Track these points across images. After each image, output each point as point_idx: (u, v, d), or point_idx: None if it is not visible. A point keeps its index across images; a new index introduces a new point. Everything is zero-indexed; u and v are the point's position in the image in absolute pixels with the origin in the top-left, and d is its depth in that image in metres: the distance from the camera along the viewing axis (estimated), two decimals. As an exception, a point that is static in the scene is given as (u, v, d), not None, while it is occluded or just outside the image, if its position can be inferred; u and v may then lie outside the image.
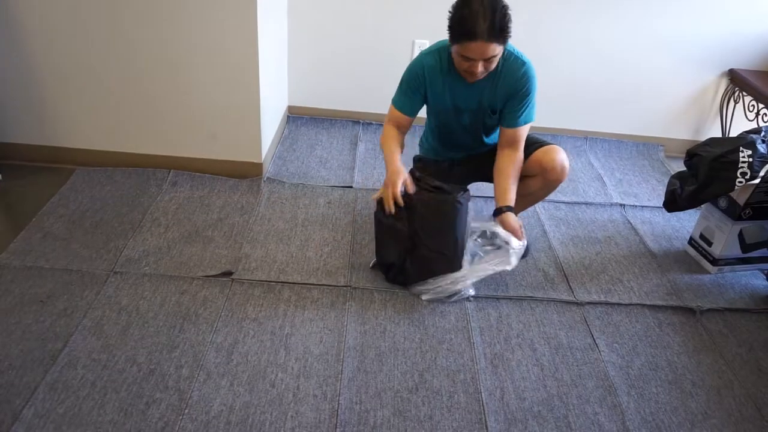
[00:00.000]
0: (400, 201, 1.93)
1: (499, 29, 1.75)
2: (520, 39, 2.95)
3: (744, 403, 1.76)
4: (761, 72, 3.03)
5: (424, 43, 2.99)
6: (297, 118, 3.18)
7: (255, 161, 2.59)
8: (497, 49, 1.80)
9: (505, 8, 1.77)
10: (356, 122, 3.19)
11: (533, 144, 2.12)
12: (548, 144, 2.11)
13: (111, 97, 2.43)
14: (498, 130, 2.14)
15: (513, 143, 2.03)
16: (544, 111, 3.12)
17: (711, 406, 1.74)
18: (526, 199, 2.22)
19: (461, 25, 1.77)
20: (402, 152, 2.07)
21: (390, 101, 2.12)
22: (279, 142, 2.95)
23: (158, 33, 2.30)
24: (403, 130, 2.11)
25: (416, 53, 3.00)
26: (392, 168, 1.98)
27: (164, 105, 2.45)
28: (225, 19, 2.26)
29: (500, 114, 2.04)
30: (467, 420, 1.61)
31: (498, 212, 2.00)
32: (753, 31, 2.98)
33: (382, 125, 3.10)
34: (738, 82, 3.01)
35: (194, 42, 2.32)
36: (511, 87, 1.97)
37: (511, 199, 1.99)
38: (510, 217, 1.97)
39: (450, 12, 1.82)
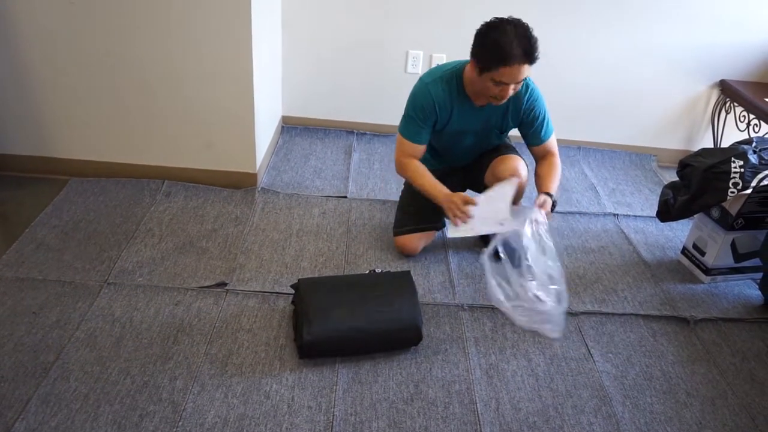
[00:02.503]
0: (472, 200, 1.96)
1: (533, 50, 1.79)
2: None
3: (738, 412, 1.77)
4: (752, 83, 3.06)
5: (418, 54, 3.01)
6: (291, 128, 3.18)
7: (249, 171, 2.59)
8: (529, 71, 1.84)
9: (530, 29, 1.81)
10: (350, 132, 3.20)
11: (492, 153, 2.16)
12: (506, 153, 2.15)
13: (105, 108, 2.43)
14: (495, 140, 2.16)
15: (546, 155, 2.13)
16: (538, 121, 3.15)
17: (705, 416, 1.74)
18: None
19: (497, 51, 1.78)
20: None
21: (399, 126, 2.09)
22: (273, 152, 2.96)
23: (153, 44, 2.30)
24: (418, 159, 2.11)
25: (410, 63, 3.02)
26: (445, 192, 2.01)
27: (158, 115, 2.45)
28: (220, 29, 2.26)
29: (523, 136, 2.12)
30: (463, 431, 1.61)
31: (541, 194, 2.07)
32: (744, 42, 3.01)
33: (376, 135, 3.16)
34: (729, 93, 3.03)
35: (189, 53, 2.32)
36: (521, 111, 2.02)
37: (551, 189, 2.03)
38: (542, 197, 1.99)
39: (479, 40, 1.83)
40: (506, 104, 1.99)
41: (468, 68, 1.94)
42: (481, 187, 2.28)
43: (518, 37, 1.77)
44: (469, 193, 2.04)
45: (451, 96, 1.98)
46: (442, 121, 2.04)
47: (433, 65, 3.01)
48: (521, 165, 2.11)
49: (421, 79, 2.03)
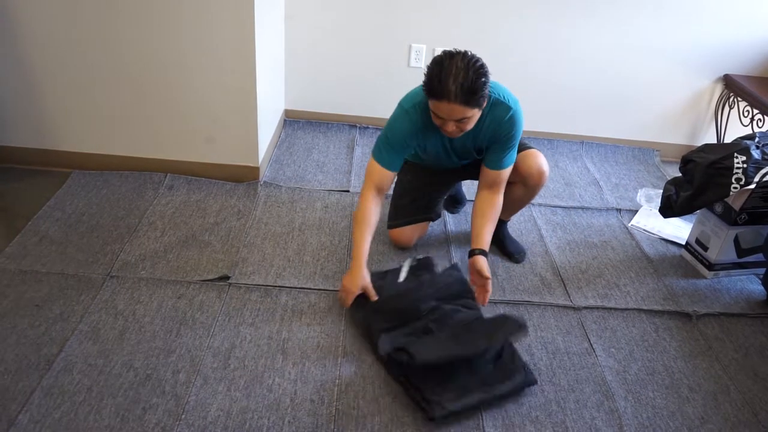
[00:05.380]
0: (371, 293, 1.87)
1: (469, 92, 1.67)
2: (518, 45, 2.98)
3: (740, 407, 1.77)
4: (756, 78, 3.05)
5: (421, 48, 3.00)
6: (294, 121, 3.18)
7: (252, 165, 2.59)
8: (468, 112, 1.73)
9: (480, 71, 1.69)
10: (353, 126, 3.19)
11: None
12: (526, 149, 2.12)
13: (108, 101, 2.43)
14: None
15: (494, 185, 2.00)
16: (541, 115, 3.15)
17: (708, 411, 1.74)
18: (512, 206, 2.23)
19: (432, 82, 1.70)
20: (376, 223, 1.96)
21: (375, 148, 1.99)
22: (276, 145, 2.95)
23: (155, 36, 2.29)
24: (384, 191, 1.98)
25: (413, 57, 3.02)
26: (355, 271, 1.87)
27: (161, 108, 2.45)
28: (222, 22, 2.26)
29: (484, 153, 2.01)
30: (465, 425, 1.61)
31: (471, 254, 1.96)
32: (748, 37, 3.00)
33: (379, 129, 3.16)
34: (733, 88, 3.03)
35: (192, 45, 2.32)
36: (496, 131, 1.92)
37: (486, 242, 1.97)
38: (480, 260, 1.93)
39: (427, 67, 1.74)
40: (486, 126, 1.90)
41: None
42: None
43: (457, 74, 1.66)
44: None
45: (425, 122, 1.90)
46: (420, 147, 2.00)
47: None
48: (544, 161, 2.09)
49: (400, 104, 1.93)
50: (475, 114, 1.77)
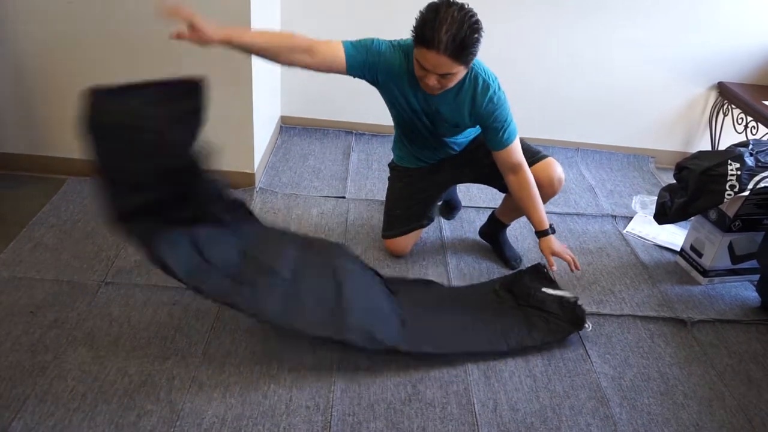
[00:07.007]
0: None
1: (460, 46, 1.63)
2: (513, 53, 3.00)
3: (735, 414, 1.77)
4: (750, 85, 3.07)
5: (417, 55, 3.01)
6: (290, 128, 3.18)
7: (248, 171, 2.59)
8: (454, 68, 1.68)
9: (474, 27, 1.64)
10: (349, 132, 3.20)
11: (527, 158, 2.06)
12: (542, 157, 2.08)
13: (103, 107, 2.42)
14: (465, 132, 2.09)
15: (512, 166, 1.95)
16: (537, 122, 3.16)
17: (702, 417, 1.75)
18: (520, 211, 2.23)
19: (423, 29, 1.64)
20: (255, 50, 1.83)
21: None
22: (272, 152, 2.96)
23: (151, 43, 2.29)
24: (314, 58, 1.75)
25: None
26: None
27: (157, 115, 2.45)
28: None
29: (484, 137, 1.97)
30: (460, 431, 1.61)
31: (541, 235, 2.01)
32: (742, 45, 3.02)
33: (375, 136, 3.16)
34: (727, 95, 3.04)
35: (188, 52, 2.32)
36: (480, 113, 1.88)
37: (544, 221, 1.99)
38: (552, 240, 2.00)
39: (419, 12, 1.68)
40: (462, 99, 1.87)
41: None
42: (498, 185, 2.18)
43: (451, 25, 1.60)
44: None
45: (401, 67, 1.84)
46: (387, 86, 1.91)
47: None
48: (560, 169, 2.07)
49: (391, 42, 1.88)
50: (461, 71, 1.73)
